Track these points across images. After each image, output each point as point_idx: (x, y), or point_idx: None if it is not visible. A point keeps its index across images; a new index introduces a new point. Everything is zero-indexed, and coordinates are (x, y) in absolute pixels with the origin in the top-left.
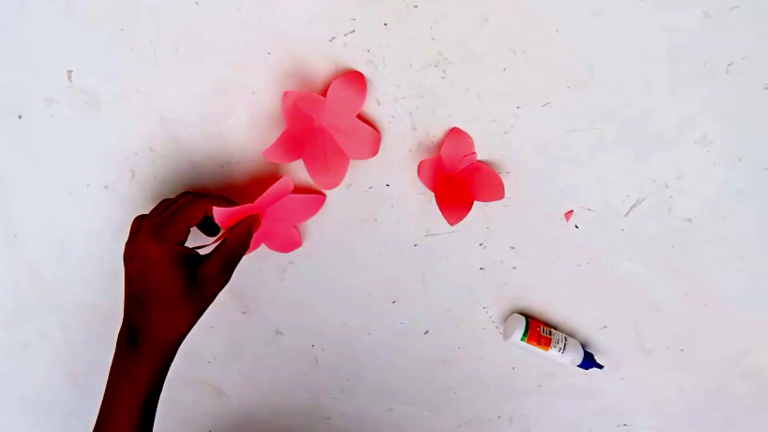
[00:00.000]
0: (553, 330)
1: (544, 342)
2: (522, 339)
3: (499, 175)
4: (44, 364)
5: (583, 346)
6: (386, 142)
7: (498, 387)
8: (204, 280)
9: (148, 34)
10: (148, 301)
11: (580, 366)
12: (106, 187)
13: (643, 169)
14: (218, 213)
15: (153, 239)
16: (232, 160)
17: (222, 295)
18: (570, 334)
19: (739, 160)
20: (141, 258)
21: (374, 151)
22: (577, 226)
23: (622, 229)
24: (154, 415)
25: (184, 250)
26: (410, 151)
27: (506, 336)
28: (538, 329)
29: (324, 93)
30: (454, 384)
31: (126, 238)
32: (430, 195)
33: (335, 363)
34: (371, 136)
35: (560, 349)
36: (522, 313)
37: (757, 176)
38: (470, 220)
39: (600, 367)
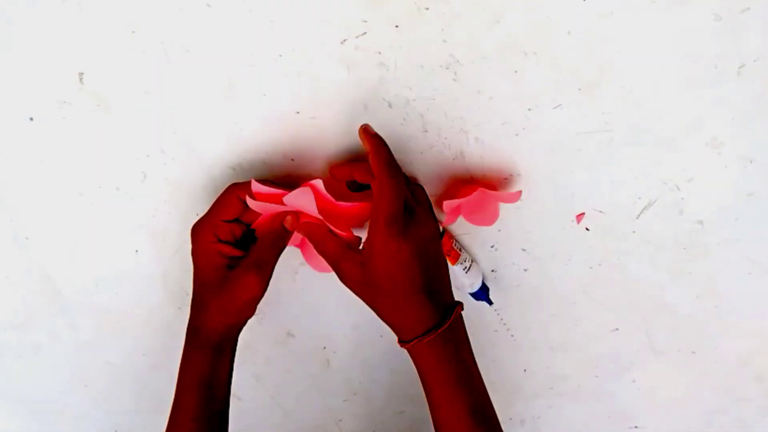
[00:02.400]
0: (463, 249)
1: (453, 256)
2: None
3: (511, 176)
4: (55, 365)
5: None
6: (397, 144)
7: (509, 389)
8: (233, 281)
9: (160, 37)
10: (194, 294)
11: (474, 294)
12: (117, 188)
13: (654, 171)
14: (252, 203)
15: (195, 234)
16: (243, 162)
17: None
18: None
19: (750, 162)
20: (192, 252)
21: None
22: (588, 229)
23: (634, 232)
24: (222, 406)
25: (221, 247)
26: (421, 153)
27: None
28: (452, 241)
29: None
30: None
31: (138, 239)
32: (442, 196)
33: (347, 365)
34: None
35: (465, 268)
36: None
37: None
38: None
39: (490, 303)
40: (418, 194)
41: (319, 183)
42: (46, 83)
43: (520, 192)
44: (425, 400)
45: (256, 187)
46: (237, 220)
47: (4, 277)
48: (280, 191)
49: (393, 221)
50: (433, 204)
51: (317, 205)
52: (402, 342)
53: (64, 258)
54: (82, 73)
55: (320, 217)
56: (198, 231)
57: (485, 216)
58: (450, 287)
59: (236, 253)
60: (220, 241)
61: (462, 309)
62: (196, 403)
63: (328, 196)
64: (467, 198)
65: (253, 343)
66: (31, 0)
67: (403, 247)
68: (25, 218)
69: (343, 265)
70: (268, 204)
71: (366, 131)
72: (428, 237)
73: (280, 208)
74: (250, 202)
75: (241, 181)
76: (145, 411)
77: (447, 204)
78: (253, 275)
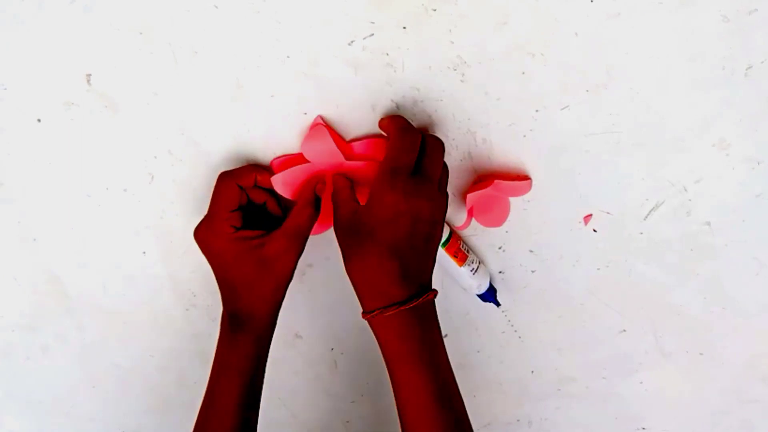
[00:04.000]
0: (471, 250)
1: (461, 257)
2: (442, 246)
3: (519, 176)
4: (63, 367)
5: (492, 282)
6: None
7: (517, 391)
8: (271, 257)
9: (167, 38)
10: (229, 290)
11: (481, 296)
12: (125, 190)
13: (661, 173)
14: (277, 179)
15: (208, 235)
16: (251, 162)
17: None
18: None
19: (758, 163)
20: (208, 253)
21: None
22: (595, 230)
23: (641, 233)
24: (259, 397)
25: (243, 234)
26: None
27: None
28: (459, 243)
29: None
30: (472, 388)
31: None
32: (449, 197)
33: (354, 367)
34: None
35: (473, 269)
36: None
37: None
38: None
39: (498, 304)
40: (436, 169)
41: (319, 119)
42: (54, 84)
43: (531, 180)
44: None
45: (276, 161)
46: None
47: (11, 279)
48: (295, 154)
49: (396, 172)
50: (451, 199)
51: (337, 143)
52: (364, 313)
53: (72, 259)
54: (89, 75)
55: (340, 154)
56: (208, 230)
57: (496, 215)
58: (430, 273)
59: (257, 232)
60: (238, 229)
61: (434, 296)
62: (239, 391)
63: (336, 134)
64: (484, 191)
65: None
66: (38, 1)
67: (397, 202)
68: (32, 219)
69: (341, 209)
70: (293, 168)
71: (383, 119)
72: (425, 209)
73: (304, 168)
74: (274, 180)
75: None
76: (153, 412)
77: (470, 197)
78: (292, 244)
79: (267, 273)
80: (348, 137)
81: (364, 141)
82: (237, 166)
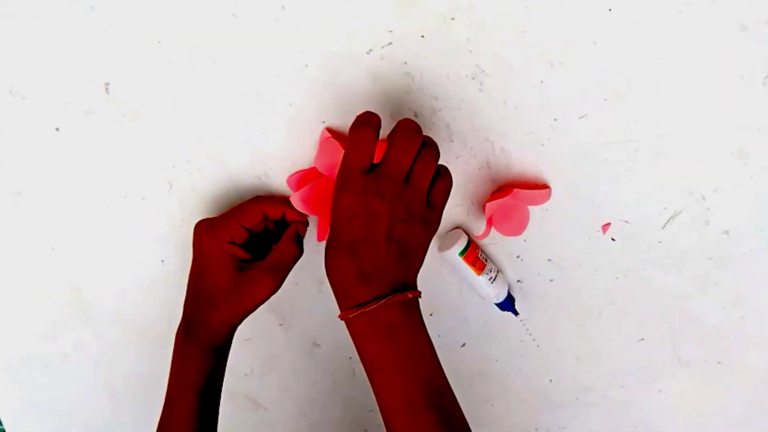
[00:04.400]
0: (489, 259)
1: (479, 266)
2: (460, 255)
3: (537, 186)
4: (81, 376)
5: (510, 290)
6: None
7: (535, 399)
8: (248, 283)
9: (186, 47)
10: (196, 291)
11: (499, 304)
12: (143, 199)
13: (680, 182)
14: (295, 197)
15: (206, 232)
16: (270, 171)
17: (259, 308)
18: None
19: None
20: (197, 250)
21: None
22: (613, 239)
23: (660, 242)
24: (215, 407)
25: (234, 249)
26: (447, 163)
27: (442, 248)
28: (477, 251)
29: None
30: (491, 396)
31: (164, 250)
32: (468, 206)
33: None
34: None
35: (491, 278)
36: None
37: None
38: None
39: (516, 313)
40: (400, 164)
41: (326, 133)
42: (72, 93)
43: (550, 189)
44: None
45: (292, 178)
46: (248, 230)
47: (30, 288)
48: (310, 168)
49: (347, 173)
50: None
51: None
52: (340, 315)
53: (91, 268)
54: (108, 84)
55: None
56: (213, 229)
57: (515, 224)
58: (408, 275)
59: (247, 256)
60: (234, 243)
61: (408, 297)
62: (194, 406)
63: (345, 142)
64: (503, 199)
65: (279, 354)
66: (56, 10)
67: (350, 202)
68: (51, 228)
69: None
70: (310, 185)
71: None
72: (382, 208)
73: (320, 182)
74: (292, 198)
75: (267, 194)
76: None
77: (489, 205)
78: (269, 278)
79: (235, 295)
80: None
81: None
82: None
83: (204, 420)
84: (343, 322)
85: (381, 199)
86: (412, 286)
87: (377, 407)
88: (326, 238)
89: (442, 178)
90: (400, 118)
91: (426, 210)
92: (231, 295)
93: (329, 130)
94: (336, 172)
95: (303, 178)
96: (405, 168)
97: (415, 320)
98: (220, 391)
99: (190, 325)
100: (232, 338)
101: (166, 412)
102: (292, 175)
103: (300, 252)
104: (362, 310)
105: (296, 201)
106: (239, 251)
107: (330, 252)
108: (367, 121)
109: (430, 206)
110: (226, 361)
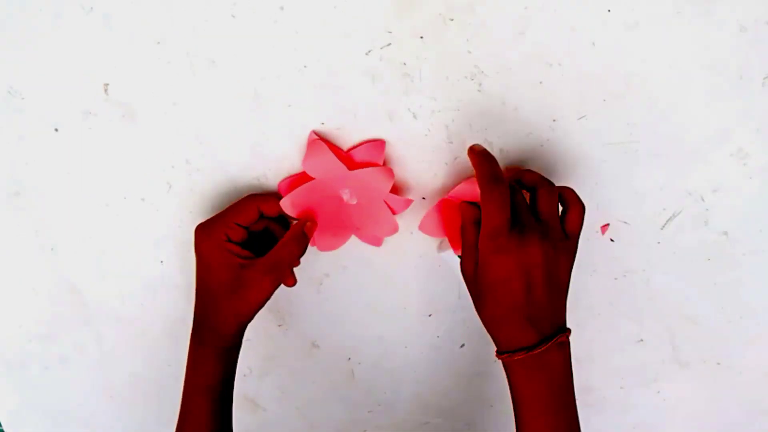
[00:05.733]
0: None
1: None
2: (459, 255)
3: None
4: (81, 377)
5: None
6: (422, 155)
7: None
8: (247, 283)
9: (185, 47)
10: (201, 294)
11: None
12: (143, 199)
13: (679, 182)
14: (285, 202)
15: (202, 235)
16: (269, 173)
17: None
18: None
19: None
20: (198, 253)
21: (380, 242)
22: (612, 240)
23: (659, 242)
24: (230, 407)
25: (232, 248)
26: (446, 164)
27: (441, 249)
28: None
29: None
30: (490, 397)
31: (163, 250)
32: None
33: (371, 376)
34: (388, 225)
35: None
36: None
37: None
38: None
39: None
40: (548, 213)
41: (313, 135)
42: (72, 94)
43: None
44: (450, 411)
45: (283, 183)
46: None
47: (29, 289)
48: (300, 173)
49: (495, 234)
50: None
51: (336, 155)
52: (498, 353)
53: (90, 269)
54: (107, 84)
55: (342, 165)
56: (209, 229)
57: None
58: (563, 311)
59: (246, 253)
60: (230, 241)
61: (567, 337)
62: (210, 408)
63: (335, 146)
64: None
65: (278, 355)
66: (56, 11)
67: (504, 263)
68: (50, 229)
69: (464, 259)
70: (299, 189)
71: (472, 149)
72: (535, 258)
73: (310, 185)
74: (282, 202)
75: (264, 191)
76: (170, 422)
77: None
78: (270, 276)
79: (238, 294)
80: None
81: (363, 147)
82: (256, 170)
83: (220, 421)
84: (342, 323)
85: (533, 252)
86: (565, 322)
87: (376, 408)
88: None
89: (573, 206)
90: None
91: (565, 242)
92: (233, 294)
93: (316, 133)
94: (325, 174)
95: (293, 183)
96: (536, 214)
97: (569, 360)
98: (232, 398)
99: (199, 328)
100: (241, 338)
101: (182, 416)
102: (282, 181)
103: (301, 251)
104: (530, 354)
105: (287, 205)
106: (237, 249)
107: (489, 308)
108: (498, 178)
109: (568, 237)
110: (236, 361)
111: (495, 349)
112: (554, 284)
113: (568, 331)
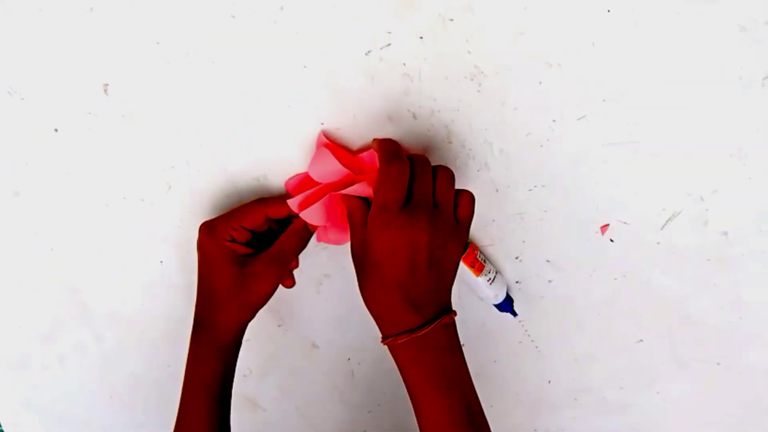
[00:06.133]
0: (487, 260)
1: (478, 267)
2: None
3: (535, 187)
4: (80, 377)
5: (508, 292)
6: None
7: (534, 401)
8: (251, 276)
9: (184, 48)
10: (203, 293)
11: (498, 306)
12: (142, 200)
13: (679, 183)
14: (293, 202)
15: (206, 233)
16: (269, 173)
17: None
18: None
19: None
20: (199, 252)
21: None
22: (612, 240)
23: (658, 243)
24: (228, 407)
25: (234, 246)
26: (446, 164)
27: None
28: (476, 253)
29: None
30: (489, 397)
31: (163, 250)
32: None
33: (371, 377)
34: None
35: (490, 279)
36: None
37: None
38: (506, 234)
39: (515, 314)
40: (426, 193)
41: (322, 137)
42: (71, 94)
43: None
44: None
45: (290, 183)
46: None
47: (29, 289)
48: (305, 174)
49: (385, 209)
50: None
51: (341, 162)
52: (383, 339)
53: (90, 269)
54: (107, 85)
55: (347, 171)
56: (214, 229)
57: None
58: (448, 294)
59: (248, 251)
60: (234, 241)
61: (452, 318)
62: (208, 408)
63: (342, 148)
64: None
65: (277, 355)
66: (55, 11)
67: (391, 239)
68: (50, 229)
69: (353, 235)
70: (308, 191)
71: (376, 138)
72: (422, 238)
73: (319, 188)
74: (290, 202)
75: (267, 195)
76: (170, 422)
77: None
78: (275, 266)
79: (241, 290)
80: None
81: (372, 150)
82: (256, 171)
83: (218, 421)
84: (342, 323)
85: (420, 231)
86: (450, 305)
87: (376, 408)
88: (326, 240)
89: (464, 194)
90: (412, 153)
91: (456, 228)
92: (235, 291)
93: (325, 134)
94: (329, 179)
95: (302, 182)
96: (431, 196)
97: (456, 339)
98: (231, 391)
99: (199, 327)
100: (242, 338)
101: (180, 415)
102: (290, 179)
103: (304, 243)
104: (413, 336)
105: (295, 205)
106: (240, 248)
107: (371, 286)
108: (397, 155)
109: (459, 223)
110: (236, 361)
111: (380, 336)
112: (439, 267)
113: (454, 312)
